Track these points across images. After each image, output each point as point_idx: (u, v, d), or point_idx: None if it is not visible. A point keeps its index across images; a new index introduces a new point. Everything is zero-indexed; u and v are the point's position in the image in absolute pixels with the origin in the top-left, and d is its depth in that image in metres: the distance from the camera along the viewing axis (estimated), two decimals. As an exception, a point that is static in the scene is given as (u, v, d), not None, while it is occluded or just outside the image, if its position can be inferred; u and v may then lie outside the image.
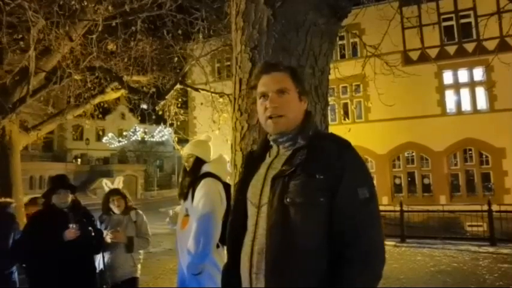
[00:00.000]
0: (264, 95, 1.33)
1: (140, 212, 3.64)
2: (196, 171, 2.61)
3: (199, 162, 2.64)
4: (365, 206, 1.18)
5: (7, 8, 5.48)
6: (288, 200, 1.18)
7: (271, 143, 1.37)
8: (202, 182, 2.49)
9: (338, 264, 1.13)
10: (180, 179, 2.78)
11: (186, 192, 2.58)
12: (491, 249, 8.75)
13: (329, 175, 1.17)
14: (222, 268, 1.45)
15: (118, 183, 3.65)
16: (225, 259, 1.44)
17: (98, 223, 3.48)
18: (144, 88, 8.91)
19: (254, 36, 1.80)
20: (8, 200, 3.72)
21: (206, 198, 2.41)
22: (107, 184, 3.64)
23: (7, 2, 5.37)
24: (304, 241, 1.16)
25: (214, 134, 8.09)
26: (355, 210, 1.16)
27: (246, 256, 1.27)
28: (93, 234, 3.22)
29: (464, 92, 15.83)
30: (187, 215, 2.56)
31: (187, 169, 2.68)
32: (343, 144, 1.26)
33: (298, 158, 1.23)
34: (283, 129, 1.31)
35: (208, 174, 2.52)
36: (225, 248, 1.46)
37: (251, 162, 1.43)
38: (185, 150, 2.76)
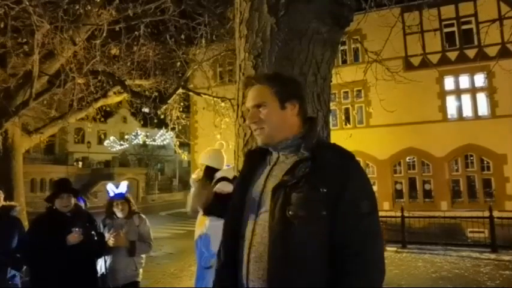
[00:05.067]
0: (249, 110, 1.37)
1: (143, 216, 3.65)
2: (207, 179, 2.80)
3: (209, 170, 2.83)
4: (366, 220, 1.19)
5: (12, 12, 5.53)
6: (290, 212, 1.19)
7: (270, 149, 1.38)
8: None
9: (338, 276, 1.15)
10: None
11: None
12: (492, 256, 8.71)
13: (332, 188, 1.18)
14: (217, 267, 1.45)
15: (123, 187, 3.66)
16: None
17: (101, 227, 3.50)
18: (147, 92, 8.97)
19: (258, 44, 1.82)
20: (13, 203, 3.78)
21: None
22: (111, 188, 3.65)
23: (12, 6, 5.42)
24: (306, 253, 1.18)
25: (216, 138, 8.12)
26: (356, 223, 1.18)
27: (242, 262, 1.29)
28: (95, 238, 3.24)
29: (466, 98, 15.82)
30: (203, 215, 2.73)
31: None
32: (346, 157, 1.28)
33: (301, 170, 1.23)
34: (268, 140, 1.33)
35: (223, 179, 2.64)
36: None
37: (250, 166, 1.44)
38: (199, 161, 3.00)
